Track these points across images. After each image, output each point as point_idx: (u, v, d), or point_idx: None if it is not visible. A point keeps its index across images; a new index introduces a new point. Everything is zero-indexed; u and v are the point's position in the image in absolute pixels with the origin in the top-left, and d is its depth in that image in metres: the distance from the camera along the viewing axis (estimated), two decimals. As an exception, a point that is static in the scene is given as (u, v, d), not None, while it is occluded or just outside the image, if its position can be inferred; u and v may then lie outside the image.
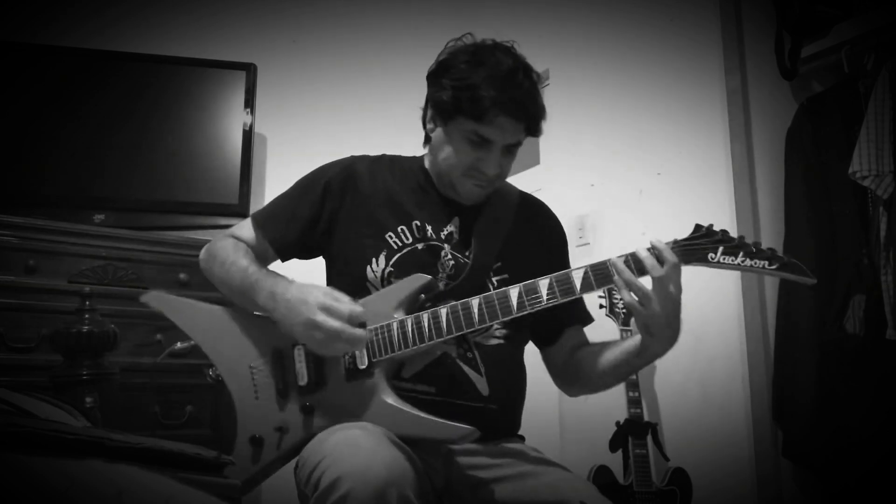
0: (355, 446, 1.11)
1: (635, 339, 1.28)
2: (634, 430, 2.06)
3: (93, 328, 1.77)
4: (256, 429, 1.32)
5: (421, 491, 1.13)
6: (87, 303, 1.81)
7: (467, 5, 3.14)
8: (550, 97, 2.82)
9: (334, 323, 1.21)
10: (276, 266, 1.46)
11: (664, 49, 2.37)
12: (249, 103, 2.87)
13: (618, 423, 2.10)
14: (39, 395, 1.26)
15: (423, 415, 1.23)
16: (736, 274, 2.04)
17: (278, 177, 3.10)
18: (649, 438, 2.08)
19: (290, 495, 1.32)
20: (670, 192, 2.28)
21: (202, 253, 1.47)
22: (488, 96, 1.29)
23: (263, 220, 1.46)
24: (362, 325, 1.24)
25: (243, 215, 2.76)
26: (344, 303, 1.24)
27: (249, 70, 2.89)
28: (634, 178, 2.40)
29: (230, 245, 1.43)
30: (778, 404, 2.01)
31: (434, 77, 1.39)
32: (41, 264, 2.27)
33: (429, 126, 1.41)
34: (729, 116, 2.14)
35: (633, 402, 2.09)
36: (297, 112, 3.22)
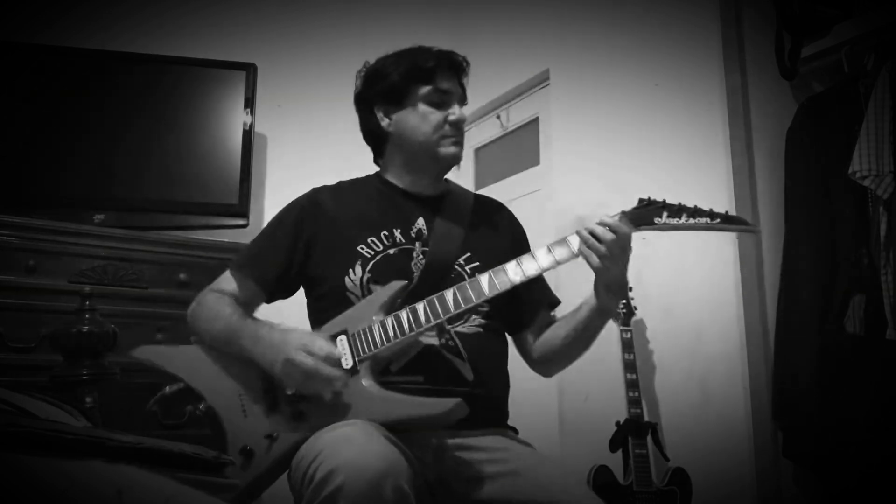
0: (348, 441, 1.14)
1: (591, 304, 1.42)
2: (634, 430, 2.06)
3: (93, 328, 1.77)
4: (246, 441, 1.35)
5: (415, 483, 1.14)
6: (87, 303, 1.81)
7: (468, 6, 3.14)
8: (550, 97, 2.82)
9: (311, 361, 1.27)
10: (263, 308, 1.53)
11: (664, 49, 2.37)
12: (249, 103, 2.87)
13: (618, 423, 2.10)
14: (39, 395, 1.26)
15: (409, 397, 1.28)
16: (736, 274, 2.04)
17: (278, 177, 3.10)
18: (649, 438, 2.08)
19: (289, 497, 1.32)
20: (670, 192, 2.27)
21: (189, 313, 1.52)
22: (429, 58, 1.51)
23: (243, 264, 1.53)
24: (339, 365, 1.31)
25: (243, 215, 2.77)
26: (321, 344, 1.30)
27: (249, 70, 2.89)
28: (634, 179, 2.40)
29: (213, 298, 1.49)
30: (778, 404, 2.02)
31: (369, 84, 1.56)
32: (41, 264, 2.27)
33: (384, 123, 1.53)
34: (729, 116, 2.14)
35: (633, 402, 2.09)
36: (297, 112, 3.22)
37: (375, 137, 1.58)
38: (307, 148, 3.15)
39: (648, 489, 1.99)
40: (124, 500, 0.73)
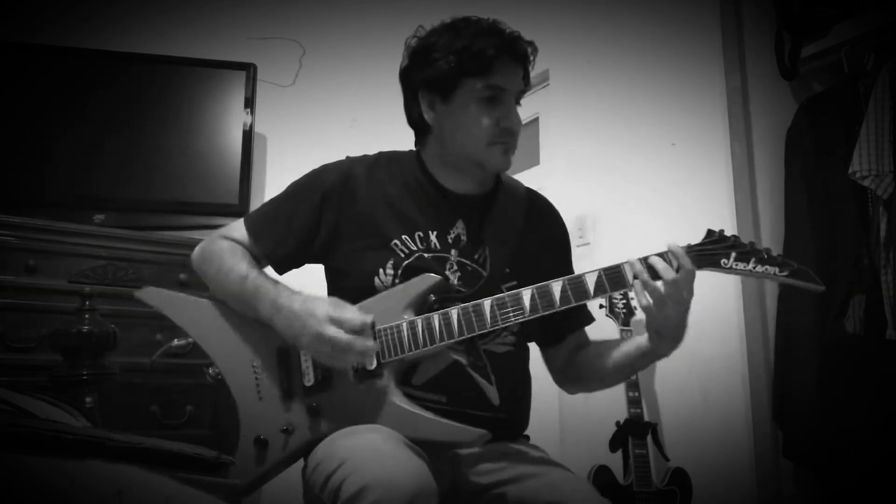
0: (377, 453, 1.10)
1: (639, 340, 1.29)
2: (634, 430, 2.06)
3: (93, 328, 1.77)
4: (261, 430, 1.29)
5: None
6: (87, 303, 1.81)
7: (467, 6, 3.14)
8: (550, 97, 2.82)
9: (344, 336, 1.18)
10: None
11: (664, 49, 2.37)
12: (249, 103, 2.87)
13: (618, 423, 2.10)
14: (39, 395, 1.26)
15: (433, 417, 1.22)
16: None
17: (278, 177, 3.10)
18: (649, 438, 2.08)
19: (290, 496, 1.32)
20: (670, 192, 2.28)
21: (195, 254, 1.41)
22: (489, 45, 1.29)
23: (258, 230, 1.40)
24: (373, 332, 1.23)
25: (243, 215, 2.76)
26: (353, 313, 1.21)
27: (249, 70, 2.89)
28: (634, 178, 2.40)
29: (227, 247, 1.37)
30: (778, 404, 2.01)
31: (415, 65, 1.36)
32: (41, 264, 2.27)
33: (427, 115, 1.35)
34: (729, 116, 2.14)
35: (633, 402, 2.09)
36: (297, 112, 3.22)
37: (417, 126, 1.41)
38: (307, 148, 3.15)
39: (648, 489, 1.99)
40: (124, 500, 0.73)
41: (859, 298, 1.93)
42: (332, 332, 1.19)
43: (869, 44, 2.02)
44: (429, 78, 1.33)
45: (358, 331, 1.19)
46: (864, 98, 1.96)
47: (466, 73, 1.30)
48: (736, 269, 1.18)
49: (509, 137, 1.35)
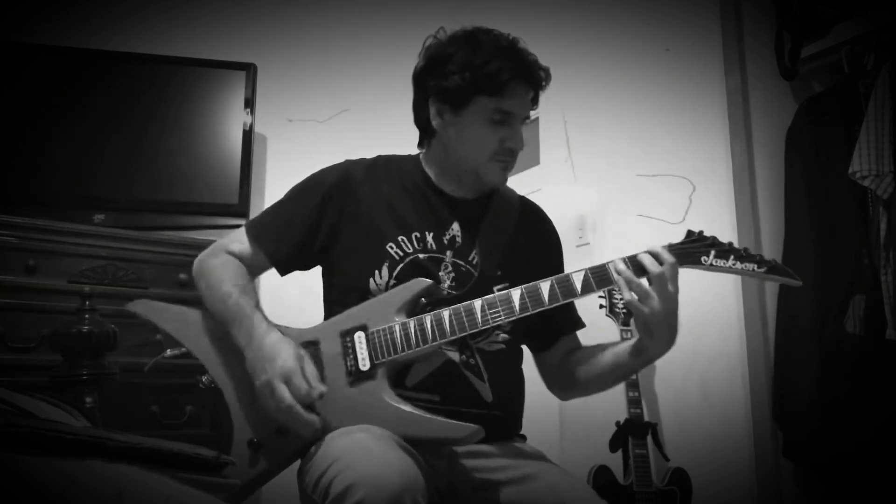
0: (366, 451, 1.11)
1: (631, 342, 1.31)
2: (634, 430, 2.06)
3: (93, 328, 1.77)
4: (254, 432, 1.30)
5: (429, 495, 1.13)
6: (87, 303, 1.81)
7: (468, 6, 3.14)
8: (550, 97, 2.82)
9: (288, 398, 1.20)
10: (275, 281, 1.45)
11: (664, 49, 2.37)
12: (249, 103, 2.87)
13: (618, 423, 2.10)
14: (39, 395, 1.25)
15: (426, 415, 1.23)
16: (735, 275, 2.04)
17: (278, 177, 3.10)
18: (649, 438, 2.08)
19: (290, 496, 1.32)
20: (670, 192, 2.28)
21: (194, 265, 1.43)
22: (506, 67, 1.31)
23: (259, 233, 1.41)
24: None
25: (243, 215, 2.77)
26: (306, 379, 1.22)
27: (249, 70, 2.89)
28: (634, 178, 2.40)
29: (220, 263, 1.39)
30: (778, 404, 2.02)
31: (430, 72, 1.38)
32: (41, 264, 2.27)
33: (435, 122, 1.38)
34: (729, 116, 2.14)
35: (633, 402, 2.09)
36: (297, 112, 3.22)
37: (423, 128, 1.44)
38: (307, 148, 3.15)
39: (648, 489, 1.99)
40: (124, 501, 0.73)
41: (859, 298, 1.93)
42: (279, 389, 1.20)
43: (869, 44, 2.02)
44: (442, 88, 1.35)
45: (301, 399, 1.20)
46: (864, 98, 1.96)
47: (479, 91, 1.32)
48: (716, 266, 1.23)
49: (510, 157, 1.38)
